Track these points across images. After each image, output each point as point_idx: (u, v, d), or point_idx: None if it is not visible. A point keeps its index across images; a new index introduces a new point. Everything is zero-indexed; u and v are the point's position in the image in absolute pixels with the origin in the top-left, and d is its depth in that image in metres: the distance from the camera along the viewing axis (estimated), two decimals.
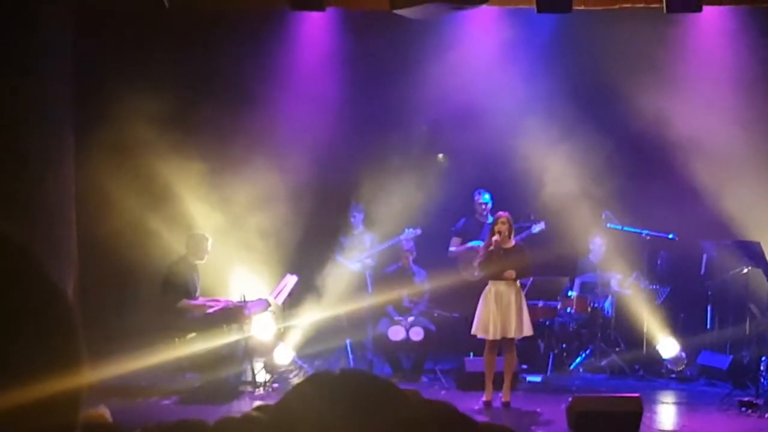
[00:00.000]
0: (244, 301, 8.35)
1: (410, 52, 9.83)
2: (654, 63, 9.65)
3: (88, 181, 8.79)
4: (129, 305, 9.54)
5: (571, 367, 9.37)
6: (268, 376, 8.64)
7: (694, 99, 9.34)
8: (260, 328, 8.81)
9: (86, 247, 8.82)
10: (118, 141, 8.77)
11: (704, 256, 9.53)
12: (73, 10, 8.66)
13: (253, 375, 8.48)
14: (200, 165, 9.13)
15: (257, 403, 1.24)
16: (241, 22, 9.68)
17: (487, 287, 7.85)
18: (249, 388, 8.35)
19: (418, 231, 9.44)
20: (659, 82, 9.50)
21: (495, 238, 7.84)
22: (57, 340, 0.83)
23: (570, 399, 6.73)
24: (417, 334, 9.03)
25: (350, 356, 9.33)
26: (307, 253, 9.58)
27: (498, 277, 7.82)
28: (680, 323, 9.53)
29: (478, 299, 7.87)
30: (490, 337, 7.77)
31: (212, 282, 8.85)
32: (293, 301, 9.08)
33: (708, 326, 9.55)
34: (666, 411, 8.05)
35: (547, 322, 9.41)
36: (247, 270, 9.23)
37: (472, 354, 8.72)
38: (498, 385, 7.92)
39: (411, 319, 9.17)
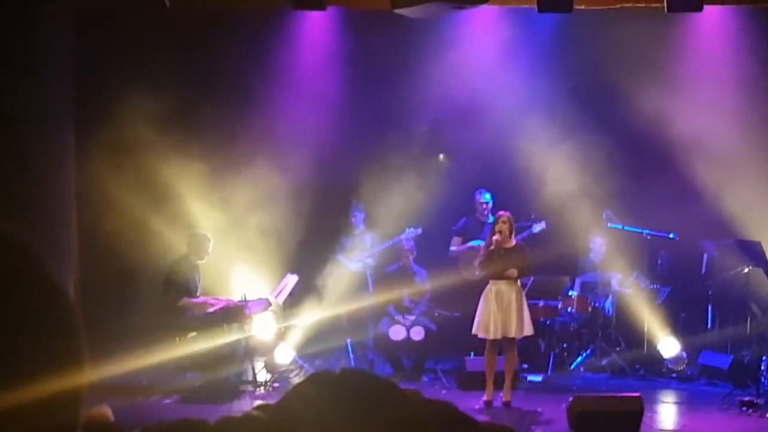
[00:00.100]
0: (245, 300, 8.36)
1: (411, 52, 9.82)
2: (654, 62, 9.65)
3: (89, 181, 8.79)
4: (130, 304, 9.54)
5: (572, 366, 9.36)
6: (268, 376, 8.64)
7: (694, 98, 9.34)
8: (261, 327, 8.81)
9: (87, 246, 8.83)
10: (118, 141, 8.77)
11: (705, 256, 9.52)
12: (73, 10, 8.66)
13: (254, 374, 8.49)
14: (201, 165, 9.11)
15: (258, 402, 1.24)
16: (242, 21, 9.67)
17: (488, 287, 7.85)
18: (249, 388, 8.35)
19: (419, 230, 9.44)
20: (660, 82, 9.49)
21: (496, 237, 7.83)
22: (58, 339, 0.83)
23: (570, 398, 6.72)
24: (418, 334, 9.03)
25: (351, 356, 9.33)
26: (307, 252, 9.57)
27: (499, 276, 7.82)
28: (681, 323, 9.53)
29: (479, 299, 7.86)
30: (491, 336, 7.77)
31: (213, 281, 8.85)
32: (294, 300, 9.08)
33: (709, 326, 9.54)
34: (667, 410, 8.05)
35: (548, 322, 9.41)
36: (247, 269, 9.21)
37: (472, 353, 8.71)
38: (499, 385, 7.92)
39: (412, 318, 9.17)
